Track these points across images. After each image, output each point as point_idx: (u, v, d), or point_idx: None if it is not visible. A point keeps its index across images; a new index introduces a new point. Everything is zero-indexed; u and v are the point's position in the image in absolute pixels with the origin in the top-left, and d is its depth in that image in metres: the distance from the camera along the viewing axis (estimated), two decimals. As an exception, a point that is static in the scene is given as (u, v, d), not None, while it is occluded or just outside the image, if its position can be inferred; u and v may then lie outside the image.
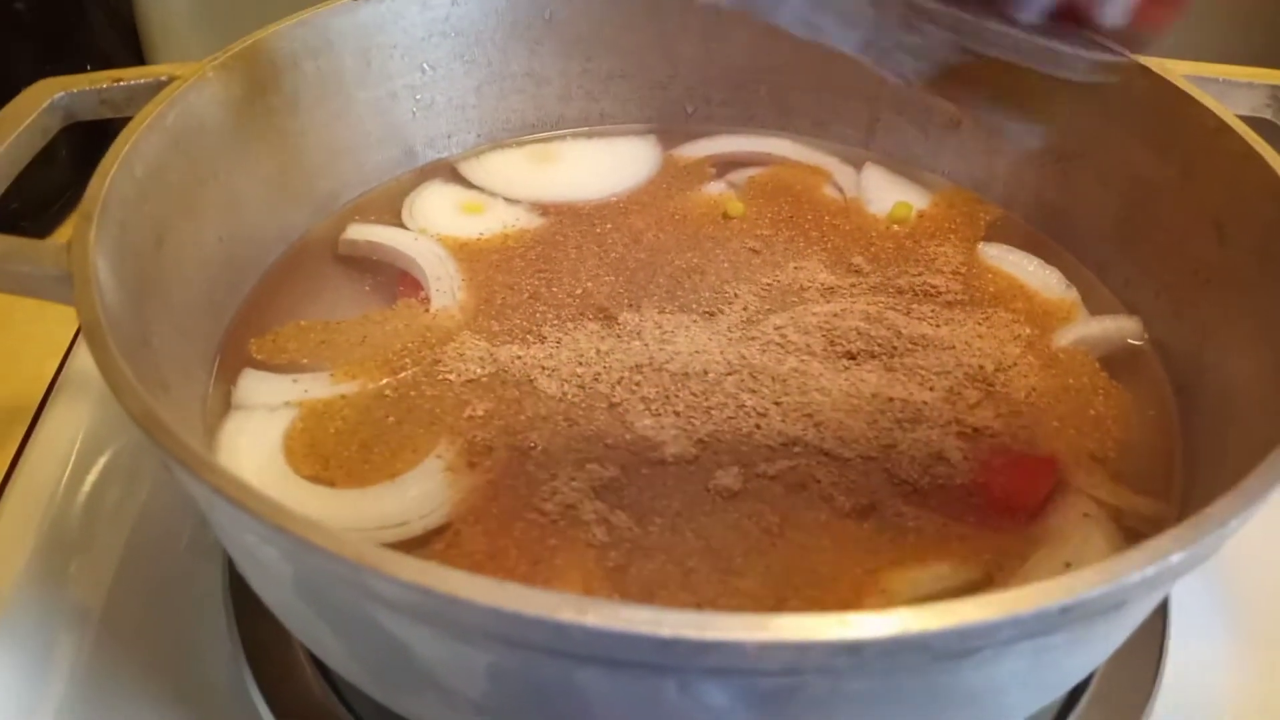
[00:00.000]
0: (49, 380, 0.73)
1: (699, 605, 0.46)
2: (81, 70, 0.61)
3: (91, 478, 0.65)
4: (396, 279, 0.65)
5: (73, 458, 0.67)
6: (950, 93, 0.47)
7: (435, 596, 0.32)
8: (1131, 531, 0.51)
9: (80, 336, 0.72)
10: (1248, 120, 0.58)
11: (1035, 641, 0.35)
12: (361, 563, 0.32)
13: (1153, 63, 0.62)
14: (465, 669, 0.37)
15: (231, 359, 0.58)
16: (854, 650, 0.32)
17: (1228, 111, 0.59)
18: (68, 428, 0.68)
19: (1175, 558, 0.34)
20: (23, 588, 0.59)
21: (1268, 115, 0.64)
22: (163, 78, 0.58)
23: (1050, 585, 0.33)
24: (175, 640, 0.57)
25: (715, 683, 0.34)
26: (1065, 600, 0.33)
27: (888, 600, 0.47)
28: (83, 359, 0.73)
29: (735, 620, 0.31)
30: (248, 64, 0.61)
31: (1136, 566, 0.34)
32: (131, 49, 0.94)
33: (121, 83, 0.58)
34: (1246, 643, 0.59)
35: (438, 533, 0.49)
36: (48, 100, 0.57)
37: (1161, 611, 0.57)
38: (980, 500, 0.51)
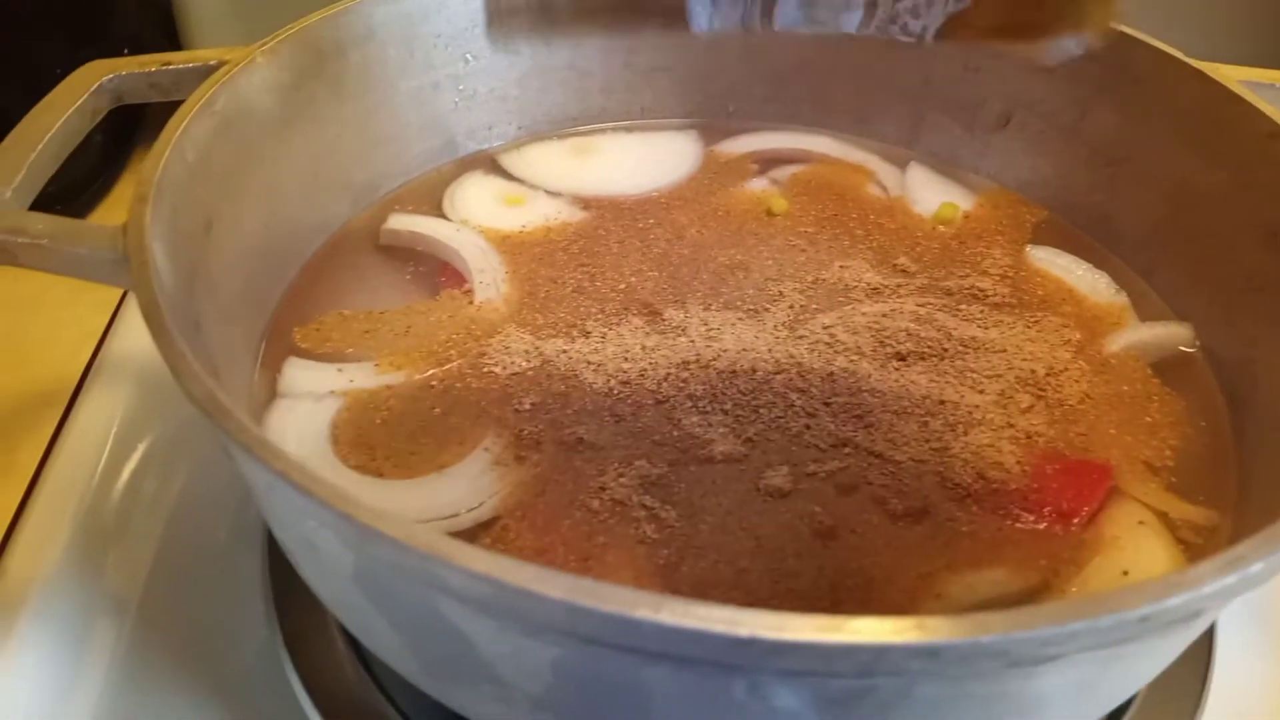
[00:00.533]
0: (83, 366, 0.72)
1: (753, 605, 0.45)
2: (116, 55, 0.61)
3: (129, 466, 0.65)
4: (438, 270, 0.64)
5: (109, 445, 0.67)
6: (968, 35, 0.46)
7: (508, 589, 0.31)
8: (1185, 541, 0.50)
9: (115, 322, 0.73)
10: (1303, 128, 0.58)
11: (1108, 651, 0.35)
12: (433, 553, 0.32)
13: (1206, 67, 0.62)
14: (528, 663, 0.36)
15: (276, 347, 0.58)
16: (932, 654, 0.31)
17: (1282, 117, 0.58)
18: (103, 415, 0.68)
19: (1255, 568, 0.34)
20: (60, 576, 0.58)
21: (1324, 122, 0.63)
22: (212, 62, 0.58)
23: (1130, 592, 0.32)
24: (213, 629, 0.57)
25: (785, 684, 0.33)
26: (1145, 608, 0.32)
27: (943, 605, 0.46)
28: (119, 344, 0.73)
29: (812, 621, 0.31)
30: (295, 50, 0.60)
31: (1217, 575, 0.33)
32: (165, 34, 0.94)
33: (170, 66, 0.58)
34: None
35: (484, 527, 0.48)
36: (96, 83, 0.57)
37: (1208, 630, 0.57)
38: (1034, 506, 0.50)
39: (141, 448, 0.65)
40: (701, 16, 0.45)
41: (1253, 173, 0.60)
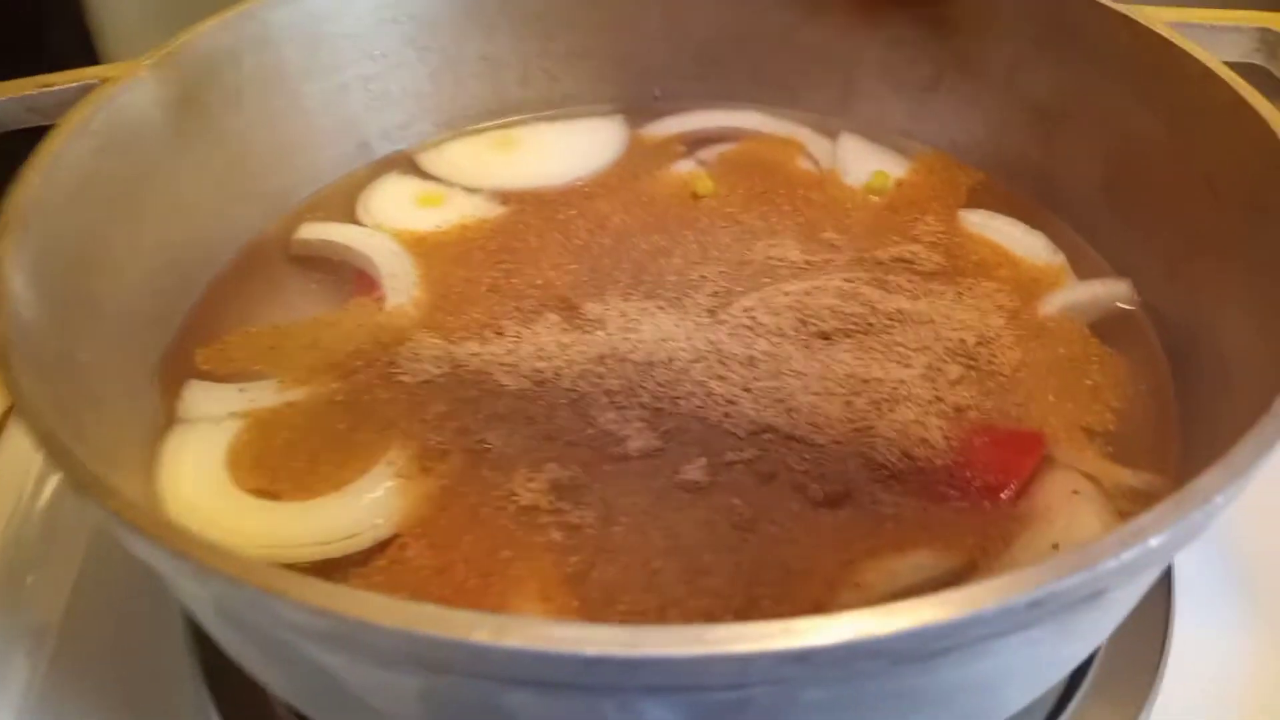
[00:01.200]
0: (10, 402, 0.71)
1: (663, 608, 0.44)
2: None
3: (49, 490, 0.63)
4: (352, 279, 0.62)
5: (34, 471, 0.65)
6: None
7: (344, 621, 0.29)
8: (1124, 507, 0.48)
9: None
10: (1236, 67, 0.55)
11: (1011, 638, 0.33)
12: (264, 588, 0.30)
13: (1133, 10, 0.59)
14: (395, 694, 0.34)
15: (177, 370, 0.56)
16: (802, 659, 0.29)
17: (1214, 59, 0.55)
18: (28, 442, 0.66)
19: (1155, 541, 0.32)
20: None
21: (1258, 60, 0.60)
22: (93, 81, 0.56)
23: (1014, 578, 0.30)
24: (133, 659, 0.55)
25: (656, 701, 0.31)
26: (1030, 594, 0.30)
27: (863, 594, 0.44)
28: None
29: (668, 634, 0.29)
30: (183, 62, 0.58)
31: (1112, 552, 0.31)
32: (90, 51, 0.92)
33: (49, 88, 0.56)
34: (1257, 614, 0.56)
35: (382, 547, 0.46)
36: (-31, 111, 0.55)
37: (1165, 583, 0.54)
38: (962, 481, 0.48)
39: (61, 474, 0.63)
40: None
41: (1188, 118, 0.57)
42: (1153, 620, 0.54)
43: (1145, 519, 0.32)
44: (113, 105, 0.54)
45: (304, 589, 0.30)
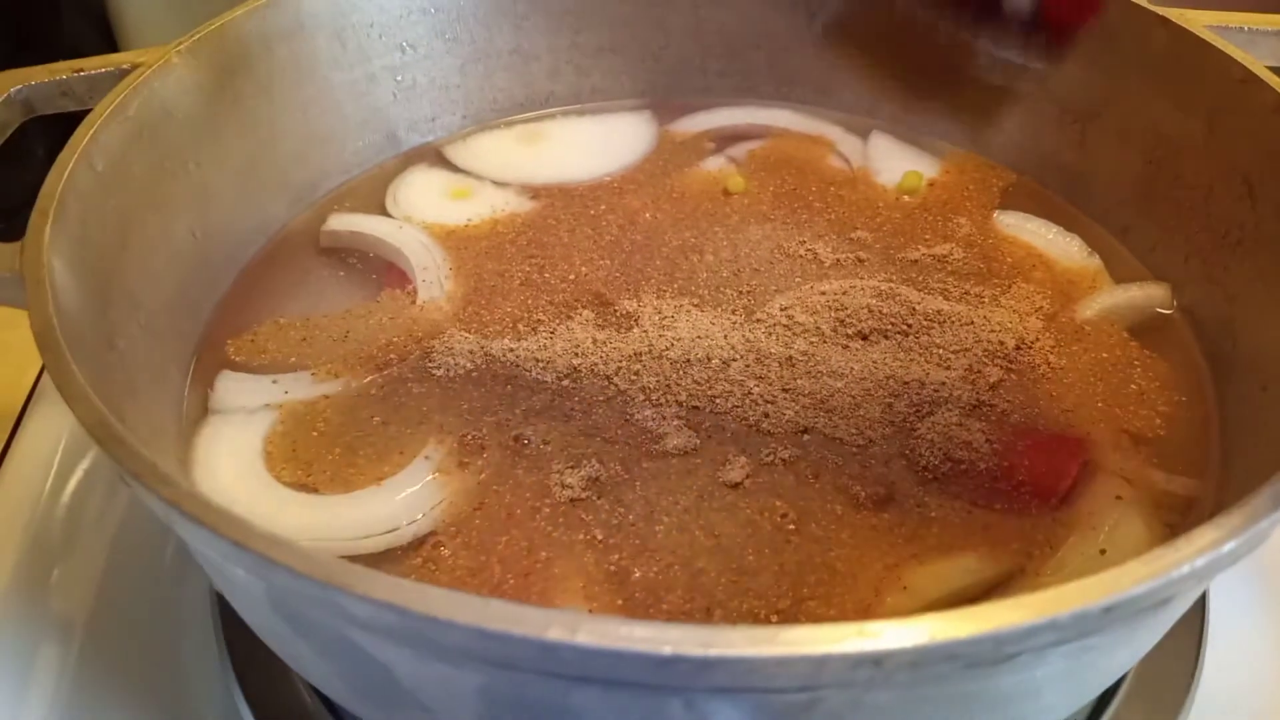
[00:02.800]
0: (29, 389, 0.70)
1: (709, 609, 0.43)
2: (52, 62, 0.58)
3: (73, 483, 0.63)
4: (382, 270, 0.62)
5: (55, 463, 0.64)
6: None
7: (411, 616, 0.29)
8: (1167, 513, 0.48)
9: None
10: (1277, 71, 0.55)
11: (1075, 644, 0.32)
12: (330, 581, 0.29)
13: (1172, 13, 0.59)
14: (453, 690, 0.34)
15: (209, 361, 0.55)
16: (876, 662, 0.29)
17: (1255, 61, 0.55)
18: (50, 433, 0.66)
19: (1227, 547, 0.31)
20: (5, 599, 0.56)
21: (1299, 65, 0.60)
22: (125, 66, 0.55)
23: (1091, 584, 0.30)
24: (161, 651, 0.55)
25: (724, 701, 0.31)
26: (1108, 600, 0.29)
27: (910, 598, 0.43)
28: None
29: (742, 634, 0.28)
30: (215, 48, 0.58)
31: (1185, 559, 0.31)
32: (107, 39, 0.91)
33: (83, 73, 0.55)
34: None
35: (423, 541, 0.46)
36: (5, 94, 0.54)
37: (1200, 600, 0.54)
38: (1006, 485, 0.48)
39: (85, 464, 0.62)
40: None
41: (1226, 120, 0.57)
42: (1187, 633, 0.53)
43: (1214, 527, 0.32)
44: (148, 89, 0.53)
45: (371, 582, 0.29)
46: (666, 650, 0.28)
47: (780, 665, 0.28)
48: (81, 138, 0.49)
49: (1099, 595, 0.30)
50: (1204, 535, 0.32)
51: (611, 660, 0.28)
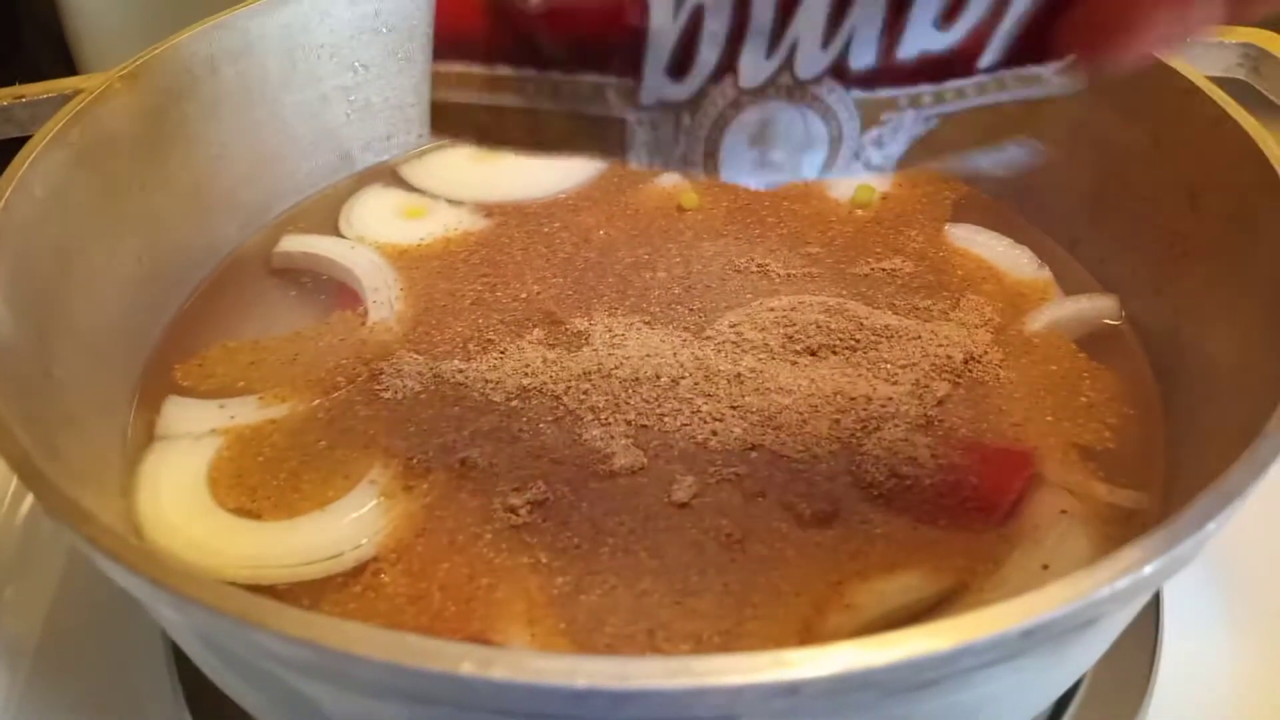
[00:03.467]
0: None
1: (651, 631, 0.43)
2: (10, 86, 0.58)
3: (26, 505, 0.62)
4: (334, 292, 0.61)
5: (11, 487, 0.63)
6: (929, 160, 0.42)
7: (327, 653, 0.29)
8: (1112, 526, 0.48)
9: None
10: (1219, 81, 0.55)
11: (1001, 667, 0.32)
12: (246, 619, 0.29)
13: (1119, 25, 0.59)
14: (379, 724, 0.33)
15: (156, 386, 0.55)
16: (793, 691, 0.29)
17: (1198, 73, 0.55)
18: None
19: (1149, 569, 0.31)
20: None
21: (1240, 75, 0.61)
22: (68, 91, 0.55)
23: (1009, 608, 0.30)
24: (112, 675, 0.54)
25: (645, 732, 0.31)
26: (1024, 624, 0.29)
27: (854, 616, 0.43)
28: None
29: (657, 665, 0.28)
30: (159, 72, 0.58)
31: (1105, 581, 0.31)
32: (65, 61, 0.91)
33: (24, 99, 0.55)
34: (1245, 632, 0.56)
35: (364, 568, 0.46)
36: (-55, 122, 0.54)
37: (1154, 603, 0.54)
38: (951, 501, 0.48)
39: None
40: (642, 152, 0.39)
41: (1172, 131, 0.57)
42: (1142, 639, 0.53)
43: (1138, 547, 0.32)
44: (89, 116, 0.53)
45: (284, 618, 0.29)
46: (581, 683, 0.28)
47: (696, 696, 0.28)
48: (19, 166, 0.49)
49: (1016, 619, 0.30)
50: (1128, 556, 0.32)
51: (527, 694, 0.28)
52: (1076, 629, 0.32)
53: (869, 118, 0.38)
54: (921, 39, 0.36)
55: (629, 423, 0.52)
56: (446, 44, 0.35)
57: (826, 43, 0.35)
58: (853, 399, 0.52)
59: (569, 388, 0.53)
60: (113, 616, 0.56)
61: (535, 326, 0.57)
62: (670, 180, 0.69)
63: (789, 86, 0.36)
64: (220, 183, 0.62)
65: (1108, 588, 0.31)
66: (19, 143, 0.57)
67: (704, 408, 0.52)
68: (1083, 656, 0.40)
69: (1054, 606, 0.30)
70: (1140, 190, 0.59)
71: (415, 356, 0.55)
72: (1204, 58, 0.60)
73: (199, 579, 0.30)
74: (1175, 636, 0.54)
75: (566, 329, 0.57)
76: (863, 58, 0.36)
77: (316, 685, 0.32)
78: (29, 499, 0.62)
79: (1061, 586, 0.30)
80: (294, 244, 0.63)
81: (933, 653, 0.29)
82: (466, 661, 0.28)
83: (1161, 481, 0.50)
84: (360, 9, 0.66)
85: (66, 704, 0.53)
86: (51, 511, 0.33)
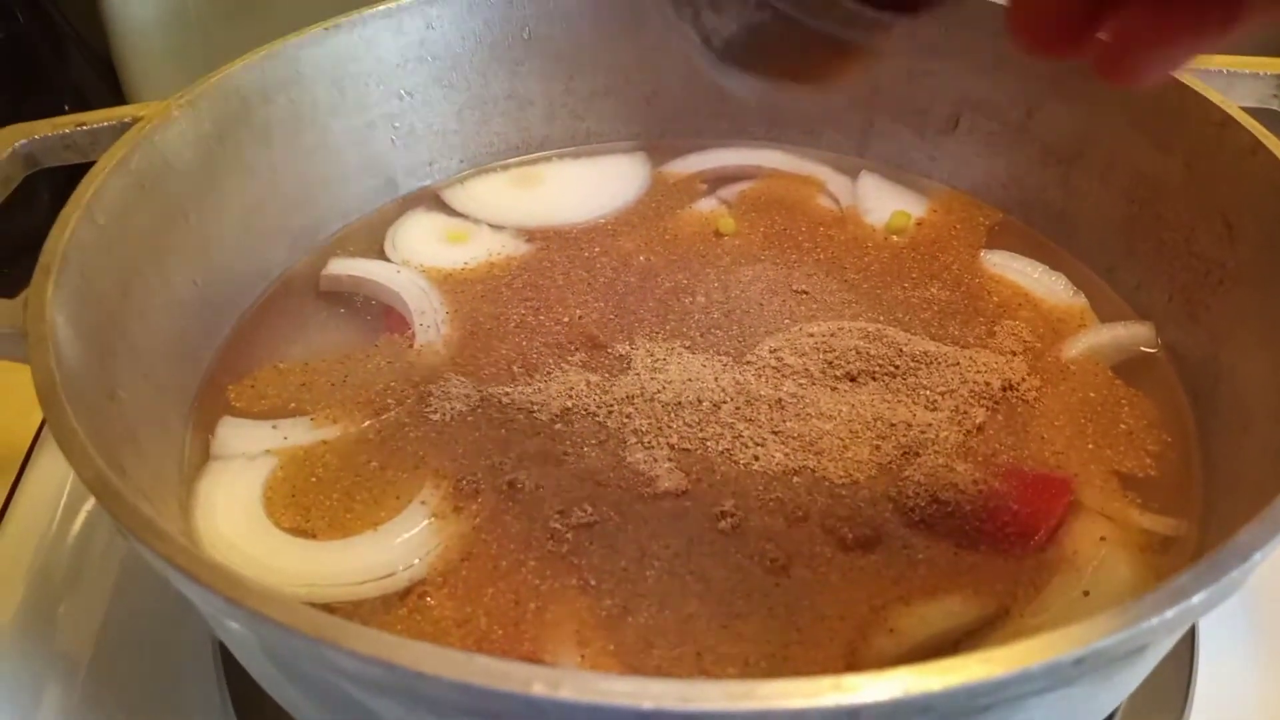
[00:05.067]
0: (36, 428, 0.71)
1: (699, 654, 0.44)
2: (60, 111, 0.60)
3: (78, 523, 0.63)
4: (381, 314, 0.63)
5: (62, 501, 0.65)
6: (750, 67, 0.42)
7: (398, 671, 0.30)
8: (1151, 554, 0.48)
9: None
10: (1253, 112, 0.56)
11: (1051, 694, 0.33)
12: (319, 637, 0.30)
13: (1154, 56, 0.60)
14: (443, 742, 0.34)
15: (210, 407, 0.56)
16: (852, 716, 0.29)
17: (1232, 104, 0.56)
18: (56, 472, 0.67)
19: (1197, 598, 0.32)
20: (10, 637, 0.57)
21: (1274, 106, 0.61)
22: (127, 119, 0.57)
23: (1062, 635, 0.30)
24: (164, 689, 0.55)
25: (705, 752, 0.31)
26: (1079, 651, 0.30)
27: (896, 640, 0.44)
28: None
29: (721, 688, 0.29)
30: (215, 100, 0.59)
31: (1155, 610, 0.31)
32: (113, 89, 0.93)
33: (85, 126, 0.57)
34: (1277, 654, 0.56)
35: (410, 590, 0.47)
36: (9, 149, 0.55)
37: (1189, 632, 0.55)
38: (991, 527, 0.48)
39: (88, 506, 0.63)
40: None
41: (1206, 161, 0.58)
42: (1178, 663, 0.54)
43: (1186, 577, 0.33)
44: (149, 143, 0.55)
45: (357, 637, 0.30)
46: (647, 705, 0.29)
47: None
48: (84, 193, 0.50)
49: (1069, 647, 0.30)
50: (1176, 586, 0.33)
51: (593, 715, 0.29)
52: (1124, 656, 0.33)
53: None
54: None
55: (672, 446, 0.53)
56: None
57: None
58: (893, 425, 0.53)
59: (612, 411, 0.54)
60: (163, 630, 0.57)
61: (578, 350, 0.58)
62: (708, 205, 0.70)
63: None
64: (271, 207, 0.64)
65: (1157, 617, 0.31)
66: (78, 169, 0.59)
67: (745, 432, 0.53)
68: (1126, 683, 0.41)
69: (1105, 635, 0.31)
70: (1175, 219, 0.59)
71: (462, 379, 0.56)
72: (1238, 88, 0.61)
73: (274, 597, 0.31)
74: (1210, 660, 0.54)
75: (609, 353, 0.58)
76: None
77: (383, 702, 0.33)
78: (81, 517, 0.63)
79: (1112, 616, 0.31)
80: (341, 267, 0.65)
81: (988, 679, 0.29)
82: (537, 682, 0.29)
83: (1199, 510, 0.51)
84: (406, 38, 0.67)
85: (120, 715, 0.54)
86: (127, 530, 0.34)
